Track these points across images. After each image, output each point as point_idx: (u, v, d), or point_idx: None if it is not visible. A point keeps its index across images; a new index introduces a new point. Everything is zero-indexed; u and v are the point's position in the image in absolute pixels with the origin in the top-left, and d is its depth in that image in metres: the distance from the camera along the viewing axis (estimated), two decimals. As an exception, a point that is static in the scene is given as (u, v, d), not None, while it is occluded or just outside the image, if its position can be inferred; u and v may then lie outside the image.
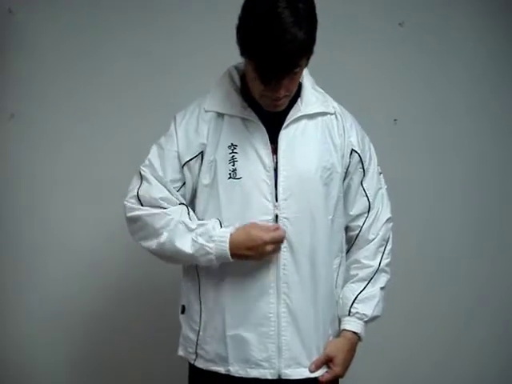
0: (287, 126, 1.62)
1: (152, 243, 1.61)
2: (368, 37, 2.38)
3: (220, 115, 1.63)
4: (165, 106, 1.97)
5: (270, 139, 1.61)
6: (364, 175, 1.71)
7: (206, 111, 1.64)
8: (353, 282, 1.70)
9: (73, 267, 2.30)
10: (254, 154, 1.59)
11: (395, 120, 2.45)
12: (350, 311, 1.67)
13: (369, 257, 1.71)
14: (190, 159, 1.62)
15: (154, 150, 1.67)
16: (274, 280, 1.59)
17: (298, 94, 1.65)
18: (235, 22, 1.48)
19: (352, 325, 1.67)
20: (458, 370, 2.48)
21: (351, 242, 1.74)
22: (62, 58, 2.27)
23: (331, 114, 1.68)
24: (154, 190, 1.62)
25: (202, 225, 1.58)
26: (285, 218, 1.59)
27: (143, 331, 2.32)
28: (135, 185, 1.65)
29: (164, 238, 1.59)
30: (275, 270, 1.59)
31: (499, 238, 2.51)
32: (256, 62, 1.47)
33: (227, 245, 1.55)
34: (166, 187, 1.62)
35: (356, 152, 1.69)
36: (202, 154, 1.62)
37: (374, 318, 1.69)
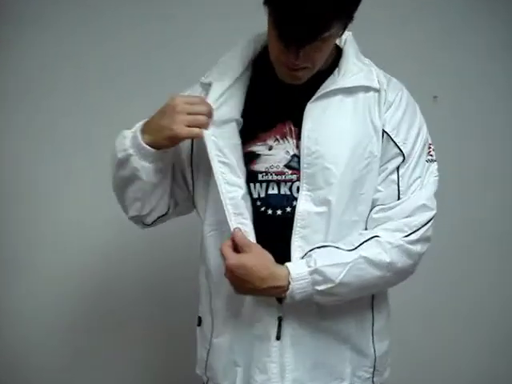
0: (317, 99, 1.34)
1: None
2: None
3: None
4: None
5: (294, 119, 1.35)
6: (403, 161, 1.36)
7: (203, 84, 1.41)
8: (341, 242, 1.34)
9: (67, 266, 2.14)
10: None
11: (435, 97, 2.17)
12: (307, 253, 1.32)
13: (371, 230, 1.35)
14: None
15: None
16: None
17: (335, 64, 1.38)
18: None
19: (293, 264, 1.30)
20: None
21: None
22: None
23: (376, 91, 1.37)
24: None
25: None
26: (304, 210, 1.33)
27: (142, 331, 2.17)
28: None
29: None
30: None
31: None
32: (276, 16, 1.21)
33: (141, 124, 1.35)
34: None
35: (385, 132, 1.35)
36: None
37: (324, 278, 1.27)
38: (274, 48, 1.30)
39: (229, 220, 1.32)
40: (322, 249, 1.32)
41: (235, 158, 1.36)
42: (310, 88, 1.35)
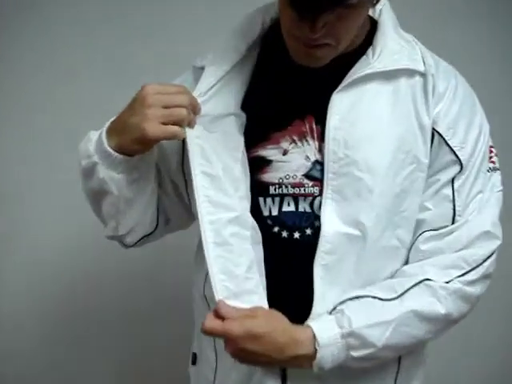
0: (345, 88, 1.03)
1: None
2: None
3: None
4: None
5: (317, 115, 1.04)
6: (460, 171, 1.05)
7: (198, 68, 1.11)
8: (377, 286, 1.04)
9: (49, 269, 1.88)
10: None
11: None
12: (335, 307, 1.01)
13: (417, 266, 1.04)
14: None
15: None
16: None
17: (369, 41, 1.06)
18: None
19: (320, 323, 0.98)
20: None
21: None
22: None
23: (421, 75, 1.05)
24: None
25: None
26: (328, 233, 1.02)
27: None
28: None
29: None
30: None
31: None
32: None
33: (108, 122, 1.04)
34: None
35: (437, 132, 1.04)
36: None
37: (363, 342, 0.97)
38: (285, 19, 0.98)
39: (206, 252, 1.01)
40: (355, 301, 1.00)
41: (230, 167, 1.05)
42: (336, 73, 1.03)
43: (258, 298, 1.02)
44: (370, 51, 1.05)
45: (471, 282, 1.02)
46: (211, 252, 1.00)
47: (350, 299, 1.00)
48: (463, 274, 1.02)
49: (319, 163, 1.03)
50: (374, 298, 1.00)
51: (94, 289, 1.85)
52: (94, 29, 1.77)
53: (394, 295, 1.00)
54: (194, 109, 1.02)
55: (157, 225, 1.17)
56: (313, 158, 1.04)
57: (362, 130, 1.02)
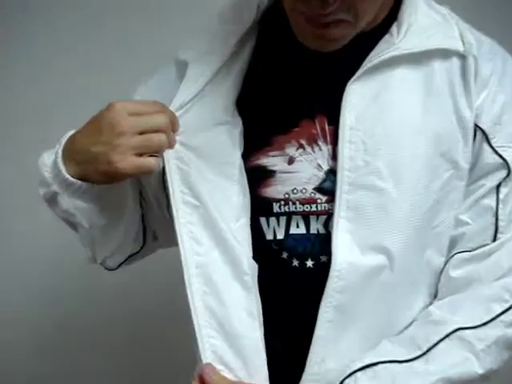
0: (363, 76, 0.82)
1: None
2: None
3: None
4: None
5: (329, 113, 0.83)
6: (508, 175, 0.83)
7: (181, 61, 0.90)
8: (394, 340, 0.83)
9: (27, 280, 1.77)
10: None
11: None
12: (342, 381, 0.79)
13: (447, 304, 0.84)
14: None
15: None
16: None
17: (393, 16, 0.84)
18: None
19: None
20: None
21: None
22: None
23: (460, 57, 0.83)
24: None
25: None
26: (344, 263, 0.80)
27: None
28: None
29: None
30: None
31: None
32: None
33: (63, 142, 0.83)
34: None
35: (480, 129, 0.83)
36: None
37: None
38: None
39: (191, 306, 0.82)
40: (367, 372, 0.78)
41: (222, 191, 0.85)
42: (353, 58, 0.82)
43: (257, 359, 0.82)
44: (394, 28, 0.83)
45: None
46: (197, 303, 0.81)
47: (361, 369, 0.78)
48: (506, 310, 0.79)
49: (334, 173, 0.82)
50: (392, 362, 0.78)
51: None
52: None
53: (418, 353, 0.79)
54: (174, 126, 0.83)
55: (144, 243, 0.99)
56: (326, 167, 0.83)
57: (385, 130, 0.81)
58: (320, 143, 0.84)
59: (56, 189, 0.82)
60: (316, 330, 0.80)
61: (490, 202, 0.84)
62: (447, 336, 0.79)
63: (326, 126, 0.84)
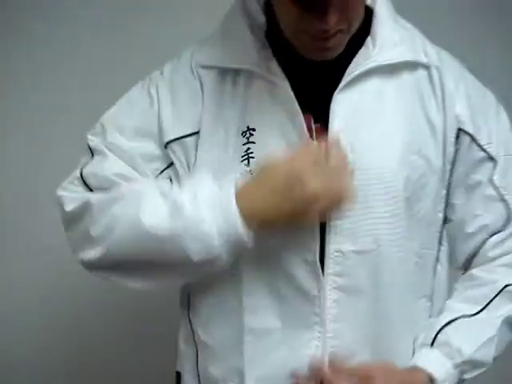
0: (346, 87, 0.94)
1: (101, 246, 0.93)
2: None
3: (229, 75, 0.96)
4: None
5: (317, 114, 0.93)
6: (495, 167, 1.00)
7: (202, 66, 0.99)
8: (457, 300, 1.03)
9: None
10: (281, 141, 0.93)
11: None
12: (435, 338, 0.97)
13: (489, 271, 1.01)
14: (177, 138, 0.98)
15: (118, 105, 1.04)
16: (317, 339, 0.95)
17: (365, 30, 0.97)
18: None
19: (430, 361, 0.96)
20: None
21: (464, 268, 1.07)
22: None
23: (424, 68, 0.98)
24: (109, 164, 0.98)
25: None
26: (337, 251, 0.93)
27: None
28: (79, 165, 1.01)
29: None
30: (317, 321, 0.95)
31: None
32: None
33: (231, 189, 0.89)
34: (129, 160, 0.98)
35: (466, 132, 0.98)
36: (194, 135, 0.97)
37: (475, 366, 0.97)
38: (289, 17, 0.89)
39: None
40: (451, 327, 0.98)
41: None
42: (334, 65, 0.94)
43: None
44: (369, 42, 0.96)
45: None
46: None
47: (446, 325, 0.98)
48: None
49: None
50: (464, 316, 0.99)
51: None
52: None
53: (479, 308, 0.99)
54: None
55: None
56: None
57: (368, 133, 0.94)
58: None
59: (221, 252, 0.87)
60: (326, 309, 0.94)
61: (491, 192, 1.00)
62: (500, 292, 0.99)
63: (313, 126, 0.94)
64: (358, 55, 0.95)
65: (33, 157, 1.75)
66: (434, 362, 0.95)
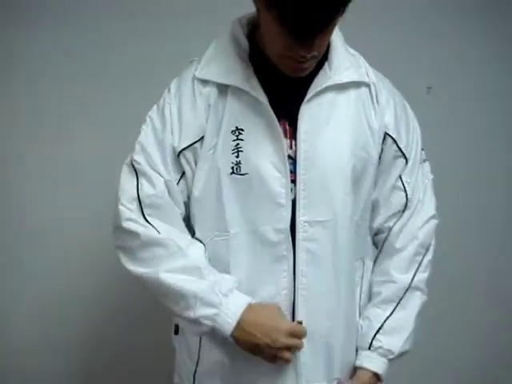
0: (310, 99, 1.25)
1: (148, 271, 1.24)
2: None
3: (222, 87, 1.25)
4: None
5: (288, 118, 1.25)
6: (406, 165, 1.35)
7: (201, 80, 1.26)
8: (377, 304, 1.35)
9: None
10: (264, 140, 1.23)
11: (429, 88, 2.08)
12: (371, 344, 1.31)
13: (398, 268, 1.34)
14: (187, 146, 1.26)
15: (146, 131, 1.29)
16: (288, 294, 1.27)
17: (324, 56, 1.27)
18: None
19: (372, 363, 1.31)
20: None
21: (378, 248, 1.40)
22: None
23: (366, 86, 1.31)
24: (153, 184, 1.27)
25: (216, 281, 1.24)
26: (305, 221, 1.24)
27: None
28: (129, 182, 1.27)
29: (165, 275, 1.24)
30: (292, 282, 1.27)
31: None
32: (285, 12, 1.09)
33: (237, 315, 1.22)
34: (167, 185, 1.27)
35: (390, 136, 1.33)
36: (201, 140, 1.25)
37: (402, 354, 1.33)
38: (276, 45, 1.19)
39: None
40: (380, 333, 1.32)
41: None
42: (302, 84, 1.27)
43: None
44: (326, 66, 1.28)
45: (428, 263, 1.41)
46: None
47: (376, 333, 1.32)
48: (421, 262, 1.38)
49: (291, 158, 1.26)
50: (386, 320, 1.32)
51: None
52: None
53: (394, 305, 1.34)
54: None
55: None
56: (286, 153, 1.26)
57: (326, 132, 1.26)
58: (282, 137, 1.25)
59: (207, 331, 1.23)
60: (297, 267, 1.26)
61: (399, 184, 1.35)
62: (407, 290, 1.34)
63: (287, 127, 1.27)
64: (318, 76, 1.27)
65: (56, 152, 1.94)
66: (374, 362, 1.31)
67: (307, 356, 1.26)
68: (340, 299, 1.29)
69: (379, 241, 1.39)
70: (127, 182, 1.27)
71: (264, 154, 1.23)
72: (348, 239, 1.29)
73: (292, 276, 1.25)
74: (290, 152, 1.26)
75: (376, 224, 1.38)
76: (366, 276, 1.37)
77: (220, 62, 1.27)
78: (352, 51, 1.35)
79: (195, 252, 1.25)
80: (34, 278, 1.97)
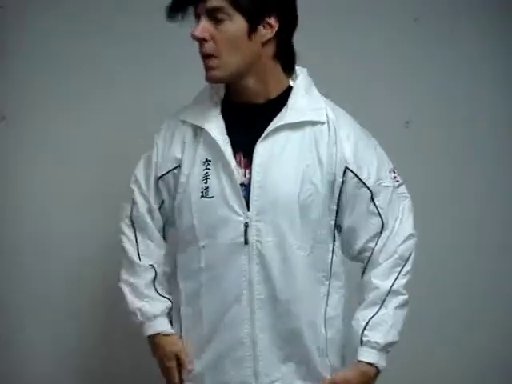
0: (266, 137, 1.47)
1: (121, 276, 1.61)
2: (378, 32, 2.15)
3: (197, 127, 1.51)
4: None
5: (244, 152, 1.47)
6: (372, 192, 1.50)
7: (182, 121, 1.53)
8: (364, 308, 1.53)
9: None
10: (225, 169, 1.46)
11: (407, 122, 2.18)
12: (361, 340, 1.50)
13: (380, 276, 1.52)
14: (165, 173, 1.53)
15: (141, 161, 1.61)
16: (247, 306, 1.48)
17: (287, 94, 1.48)
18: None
19: (365, 355, 1.50)
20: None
21: (364, 264, 1.56)
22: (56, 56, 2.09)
23: (322, 124, 1.48)
24: (139, 207, 1.58)
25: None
26: (257, 241, 1.45)
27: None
28: (128, 205, 1.60)
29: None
30: (248, 290, 1.47)
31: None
32: None
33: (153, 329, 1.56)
34: (149, 206, 1.57)
35: (350, 170, 1.48)
36: (178, 168, 1.51)
37: (389, 345, 1.51)
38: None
39: None
40: (367, 329, 1.49)
41: None
42: (262, 123, 1.47)
43: None
44: (284, 109, 1.48)
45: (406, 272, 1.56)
46: None
47: (364, 329, 1.49)
48: (400, 272, 1.53)
49: (244, 185, 1.47)
50: (371, 317, 1.49)
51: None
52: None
53: (377, 307, 1.50)
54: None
55: None
56: (239, 181, 1.46)
57: (276, 166, 1.46)
58: (239, 168, 1.47)
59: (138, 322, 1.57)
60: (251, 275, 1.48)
61: (373, 209, 1.50)
62: (388, 293, 1.49)
63: (242, 158, 1.48)
64: (277, 117, 1.47)
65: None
66: (367, 354, 1.49)
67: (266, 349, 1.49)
68: (297, 310, 1.49)
69: (364, 258, 1.55)
70: (126, 204, 1.62)
71: (225, 177, 1.47)
72: (301, 257, 1.47)
73: (248, 283, 1.47)
74: (244, 180, 1.47)
75: (358, 246, 1.54)
76: (333, 295, 1.54)
77: (197, 107, 1.54)
78: (316, 93, 1.53)
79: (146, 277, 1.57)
80: (34, 278, 2.06)
